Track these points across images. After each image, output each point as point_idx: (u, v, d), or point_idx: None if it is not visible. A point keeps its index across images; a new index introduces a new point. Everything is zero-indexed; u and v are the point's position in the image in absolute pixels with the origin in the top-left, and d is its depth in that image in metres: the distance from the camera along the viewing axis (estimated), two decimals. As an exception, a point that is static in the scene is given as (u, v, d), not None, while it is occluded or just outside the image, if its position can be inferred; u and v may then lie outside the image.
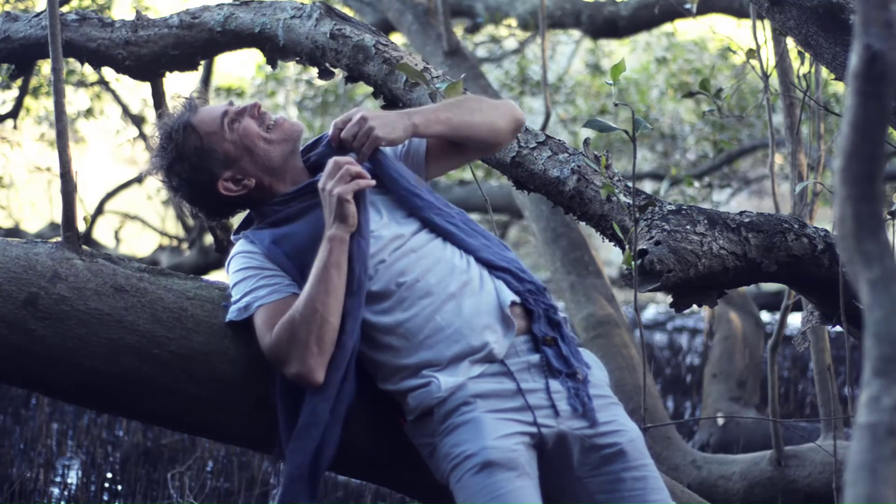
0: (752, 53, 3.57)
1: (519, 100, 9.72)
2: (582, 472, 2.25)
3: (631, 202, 2.55)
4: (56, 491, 4.87)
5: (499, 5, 7.49)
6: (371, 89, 3.03)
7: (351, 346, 2.27)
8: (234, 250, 2.45)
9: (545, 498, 2.19)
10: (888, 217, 2.88)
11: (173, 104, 2.53)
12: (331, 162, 2.32)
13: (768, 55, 3.82)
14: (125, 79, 3.54)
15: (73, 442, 5.62)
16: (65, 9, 4.12)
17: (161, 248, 10.09)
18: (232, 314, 2.37)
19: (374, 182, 2.32)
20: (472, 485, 2.17)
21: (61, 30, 2.83)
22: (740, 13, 6.70)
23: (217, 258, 8.24)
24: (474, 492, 2.17)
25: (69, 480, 5.00)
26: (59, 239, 2.43)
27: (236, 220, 2.64)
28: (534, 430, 2.22)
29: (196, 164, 2.44)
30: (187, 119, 2.46)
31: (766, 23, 3.76)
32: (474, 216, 10.48)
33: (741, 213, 2.70)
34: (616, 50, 11.34)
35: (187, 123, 2.45)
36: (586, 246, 5.06)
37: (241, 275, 2.38)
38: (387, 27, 6.68)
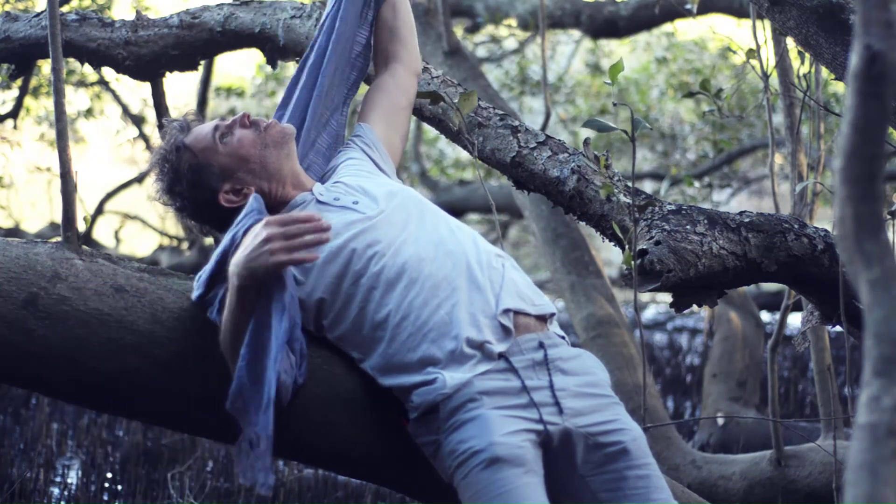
0: (752, 53, 3.57)
1: (519, 100, 9.73)
2: (585, 470, 2.25)
3: (631, 202, 2.55)
4: (56, 491, 4.87)
5: (499, 5, 7.49)
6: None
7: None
8: None
9: (549, 498, 2.19)
10: (888, 217, 2.88)
11: (166, 128, 2.57)
12: (291, 215, 2.15)
13: (768, 55, 3.82)
14: (125, 79, 3.54)
15: (73, 442, 5.62)
16: (65, 9, 4.13)
17: (161, 248, 10.09)
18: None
19: (318, 256, 2.19)
20: (478, 481, 2.17)
21: (61, 30, 2.83)
22: (740, 13, 6.70)
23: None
24: (481, 488, 2.17)
25: (69, 480, 5.01)
26: (59, 239, 2.43)
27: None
28: (540, 427, 2.22)
29: (194, 182, 2.48)
30: (180, 140, 2.51)
31: (766, 23, 3.76)
32: (474, 216, 10.48)
33: (741, 213, 2.70)
34: (616, 50, 11.34)
35: (180, 144, 2.51)
36: (586, 246, 5.07)
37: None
38: (387, 27, 6.67)
